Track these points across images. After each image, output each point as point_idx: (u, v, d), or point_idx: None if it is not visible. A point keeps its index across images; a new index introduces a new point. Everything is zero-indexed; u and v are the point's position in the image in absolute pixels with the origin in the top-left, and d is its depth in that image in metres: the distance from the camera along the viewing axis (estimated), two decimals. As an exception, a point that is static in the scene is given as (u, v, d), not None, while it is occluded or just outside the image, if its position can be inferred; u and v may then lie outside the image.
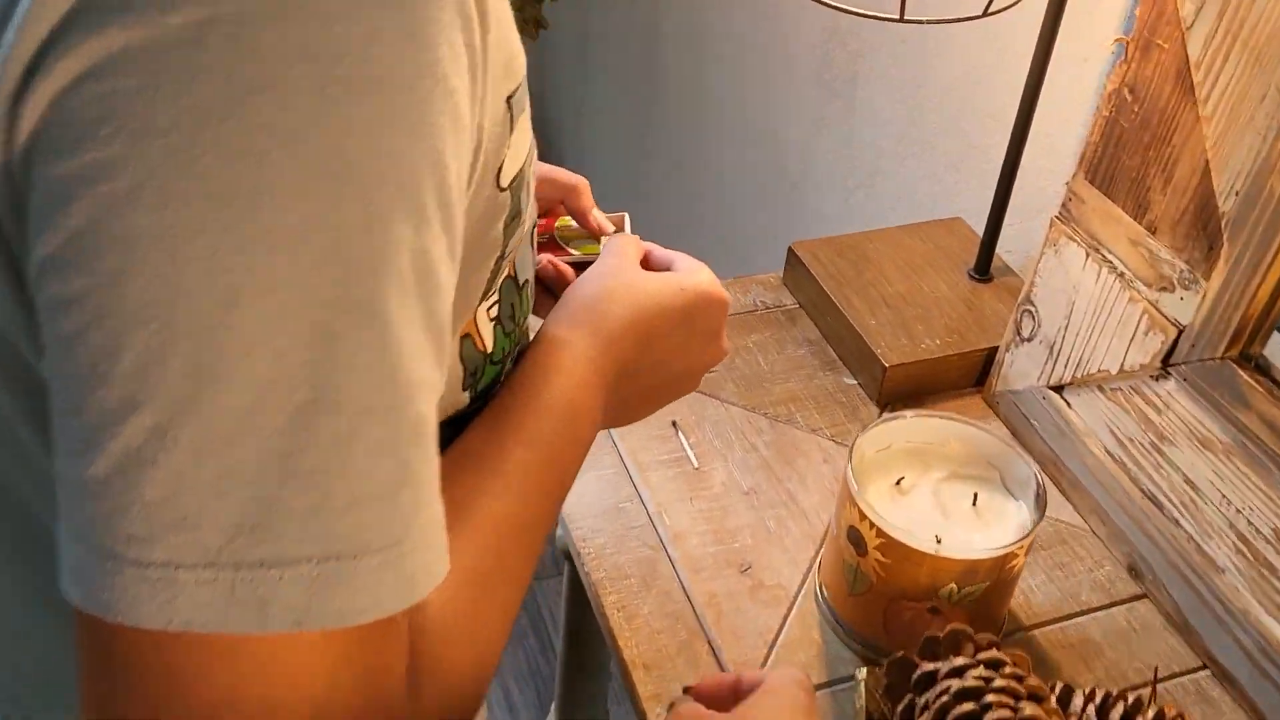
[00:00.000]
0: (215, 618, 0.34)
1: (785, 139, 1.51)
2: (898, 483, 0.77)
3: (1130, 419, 0.82)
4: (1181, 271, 0.77)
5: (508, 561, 0.49)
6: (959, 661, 0.58)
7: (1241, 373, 0.74)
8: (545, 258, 0.71)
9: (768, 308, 1.06)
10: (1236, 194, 0.72)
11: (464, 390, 0.53)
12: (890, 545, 0.71)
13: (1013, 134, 0.95)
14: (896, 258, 1.05)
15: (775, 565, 0.83)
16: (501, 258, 0.50)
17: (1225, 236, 0.73)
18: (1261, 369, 0.74)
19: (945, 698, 0.56)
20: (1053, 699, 0.60)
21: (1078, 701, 0.61)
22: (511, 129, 0.45)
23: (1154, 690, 0.63)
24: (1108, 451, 0.85)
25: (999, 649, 0.60)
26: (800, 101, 1.44)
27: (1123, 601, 0.82)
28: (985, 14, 0.77)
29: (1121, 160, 0.81)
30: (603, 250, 0.66)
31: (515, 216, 0.49)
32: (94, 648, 0.35)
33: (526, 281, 0.56)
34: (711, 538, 0.84)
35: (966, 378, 0.98)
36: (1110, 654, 0.78)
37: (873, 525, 0.71)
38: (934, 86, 1.18)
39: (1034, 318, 0.90)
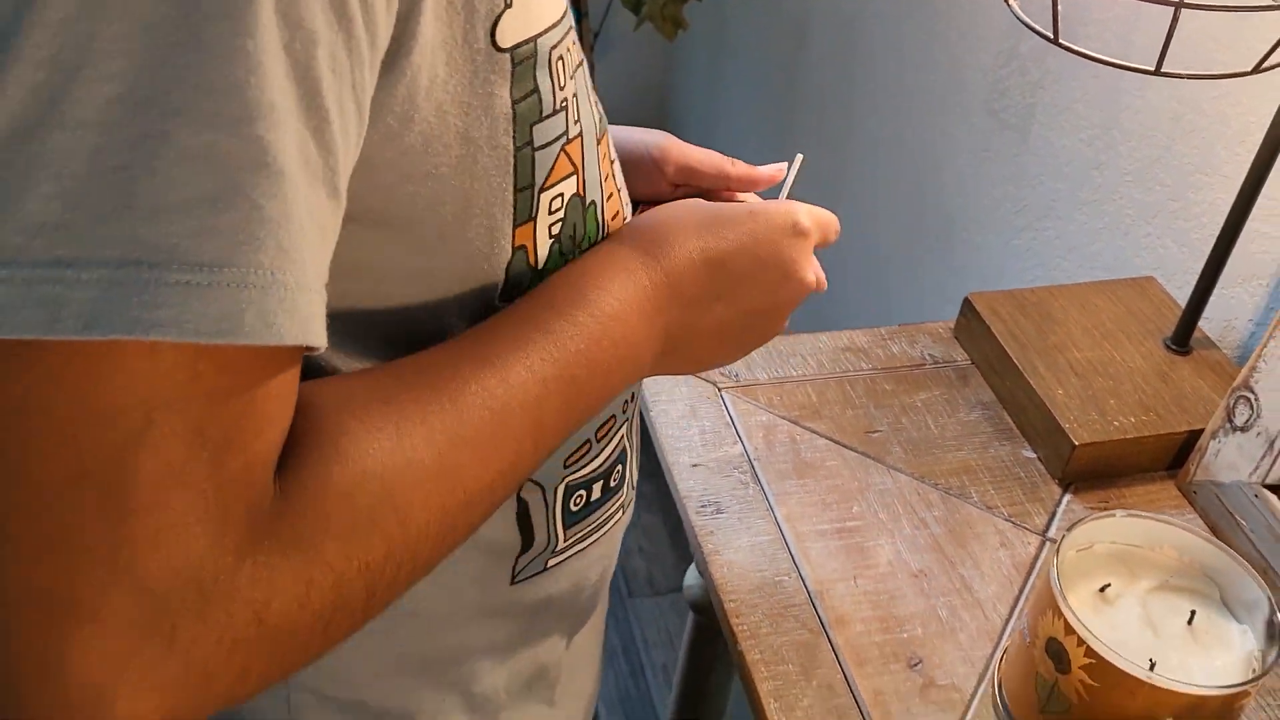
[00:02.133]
0: (8, 319, 0.33)
1: (945, 169, 1.41)
2: (1102, 590, 0.69)
3: (1369, 536, 0.73)
4: None
5: (471, 441, 0.45)
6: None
7: None
8: None
9: (937, 363, 0.98)
10: None
11: (499, 301, 0.51)
12: (1101, 667, 0.63)
13: (1240, 192, 0.85)
14: (1084, 319, 0.96)
15: (948, 663, 0.75)
16: (531, 145, 0.48)
17: None
18: None
19: None
20: None
21: None
22: None
23: None
24: (1335, 568, 0.75)
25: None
26: (966, 130, 1.35)
27: (1345, 742, 0.73)
28: (1256, 70, 0.68)
29: (1385, 243, 0.71)
30: None
31: (530, 95, 0.47)
32: None
33: (593, 203, 0.54)
34: (877, 625, 0.76)
35: (1159, 461, 0.88)
36: (1334, 806, 0.69)
37: (1081, 642, 0.63)
38: (1129, 128, 1.08)
39: (1252, 406, 0.81)
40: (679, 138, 0.71)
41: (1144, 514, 0.70)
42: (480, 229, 0.49)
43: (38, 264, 0.33)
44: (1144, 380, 0.91)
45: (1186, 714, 0.62)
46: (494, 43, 0.45)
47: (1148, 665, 0.62)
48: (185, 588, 0.36)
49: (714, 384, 0.93)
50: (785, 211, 0.58)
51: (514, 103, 0.47)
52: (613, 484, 0.65)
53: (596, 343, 0.51)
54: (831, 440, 0.89)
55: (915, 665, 0.74)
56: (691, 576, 1.05)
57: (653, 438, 0.89)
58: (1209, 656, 0.66)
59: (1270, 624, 0.65)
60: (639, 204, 0.68)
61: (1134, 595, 0.69)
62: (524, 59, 0.47)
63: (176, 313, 0.34)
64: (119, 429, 0.34)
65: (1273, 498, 0.80)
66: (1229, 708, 0.62)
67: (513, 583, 0.61)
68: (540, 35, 0.48)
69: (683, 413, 0.90)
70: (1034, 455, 0.90)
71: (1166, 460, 0.89)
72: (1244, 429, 0.82)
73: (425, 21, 0.41)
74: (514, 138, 0.48)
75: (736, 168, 0.70)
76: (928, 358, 0.98)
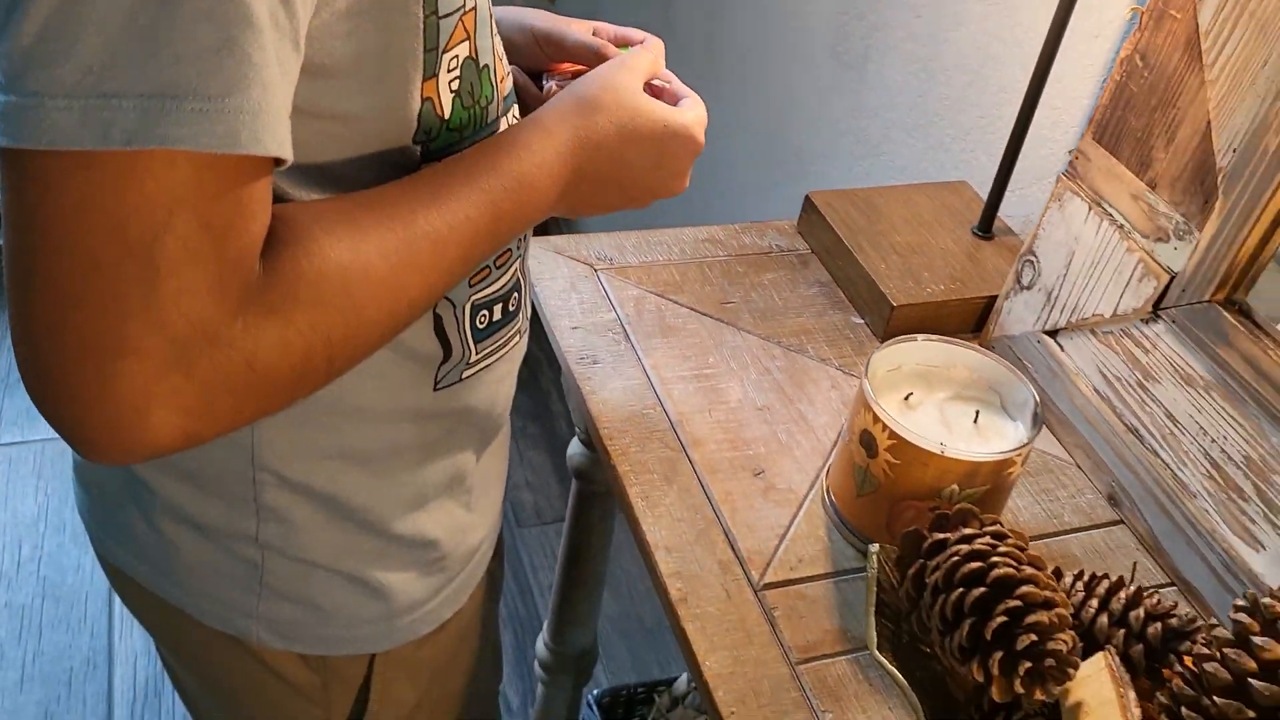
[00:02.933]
0: (72, 136, 0.45)
1: (795, 109, 1.57)
2: (906, 398, 0.84)
3: (1119, 359, 0.90)
4: (1178, 223, 0.84)
5: (415, 262, 0.59)
6: (968, 531, 0.65)
7: (1226, 315, 0.82)
8: (554, 84, 0.80)
9: (782, 251, 1.13)
10: (1234, 151, 0.79)
11: (414, 143, 0.64)
12: (901, 446, 0.78)
13: (1024, 102, 1.02)
14: (905, 212, 1.12)
15: (786, 472, 0.89)
16: (436, 14, 0.60)
17: (1221, 190, 0.81)
18: (1244, 312, 0.82)
19: (955, 558, 0.63)
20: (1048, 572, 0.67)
21: (1067, 580, 0.68)
22: None
23: (1132, 578, 0.70)
24: (1095, 390, 0.92)
25: (1002, 525, 0.67)
26: (813, 73, 1.51)
27: (1101, 525, 0.90)
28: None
29: (1129, 122, 0.88)
30: (618, 57, 0.75)
31: None
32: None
33: (486, 66, 0.67)
34: (727, 445, 0.91)
35: (966, 324, 1.05)
36: (1087, 566, 0.85)
37: (885, 428, 0.78)
38: (945, 61, 1.25)
39: (1034, 267, 0.98)
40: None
41: (942, 338, 0.86)
42: (396, 81, 0.61)
43: (90, 95, 0.45)
44: (953, 259, 1.07)
45: (967, 479, 0.77)
46: None
47: (940, 446, 0.78)
48: (199, 335, 0.49)
49: (590, 265, 1.07)
50: (693, 137, 0.73)
51: None
52: (511, 308, 0.78)
53: (519, 203, 0.65)
54: (691, 309, 1.04)
55: (759, 474, 0.89)
56: (574, 447, 1.19)
57: (538, 307, 1.02)
58: (989, 445, 0.82)
59: (1034, 415, 0.81)
60: (540, 73, 0.81)
61: (933, 403, 0.85)
62: None
63: (193, 131, 0.46)
64: (150, 218, 0.47)
65: (1050, 340, 0.96)
66: (999, 474, 0.78)
67: (435, 389, 0.74)
68: None
69: (564, 288, 1.04)
70: (861, 321, 1.05)
71: (972, 323, 1.05)
72: (1029, 288, 0.98)
73: None
74: (423, 6, 0.60)
75: (604, 48, 0.82)
76: (774, 247, 1.13)
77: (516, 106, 0.76)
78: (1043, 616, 0.60)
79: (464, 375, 0.75)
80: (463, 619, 0.88)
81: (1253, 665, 0.57)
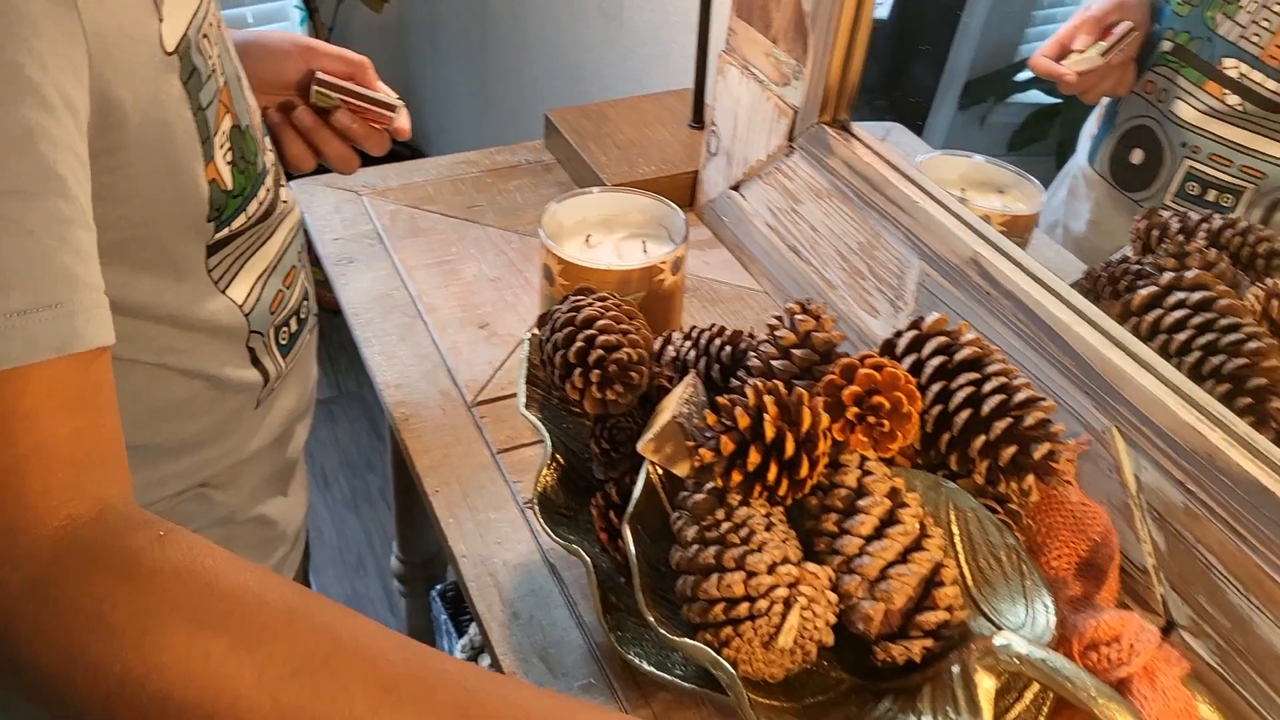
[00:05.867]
0: None
1: (577, 62, 1.75)
2: (587, 239, 1.00)
3: (776, 193, 1.06)
4: (793, 66, 1.01)
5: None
6: (578, 299, 0.81)
7: (829, 131, 0.98)
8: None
9: (530, 164, 1.29)
10: (811, -4, 0.97)
11: (209, 221, 0.70)
12: (567, 268, 0.94)
13: (700, 5, 1.19)
14: (631, 116, 1.29)
15: (508, 323, 1.05)
16: (202, 109, 0.66)
17: (810, 31, 0.98)
18: (843, 127, 0.99)
19: (559, 315, 0.79)
20: (655, 341, 0.83)
21: (677, 336, 0.84)
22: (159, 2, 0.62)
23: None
24: (767, 224, 1.08)
25: (614, 296, 0.83)
26: (587, 30, 1.69)
27: (778, 332, 1.06)
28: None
29: (753, -6, 1.05)
30: None
31: (193, 74, 0.64)
32: None
33: (248, 126, 0.74)
34: (459, 308, 1.07)
35: (681, 199, 1.21)
36: (758, 361, 1.01)
37: (554, 255, 0.94)
38: (673, -8, 1.43)
39: (716, 136, 1.14)
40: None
41: (615, 189, 1.02)
42: (187, 173, 0.67)
43: None
44: (668, 147, 1.24)
45: (622, 287, 0.93)
46: (165, 50, 0.62)
47: (589, 261, 0.93)
48: None
49: (355, 192, 1.23)
50: None
51: (184, 84, 0.64)
52: (303, 316, 0.87)
53: None
54: (441, 214, 1.20)
55: (483, 327, 1.05)
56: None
57: (306, 228, 1.17)
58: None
59: (683, 234, 0.97)
60: None
61: (610, 241, 1.01)
62: (184, 50, 0.64)
63: None
64: None
65: (735, 194, 1.13)
66: (650, 280, 0.94)
67: (256, 408, 0.83)
68: (189, 26, 0.64)
69: (329, 210, 1.20)
70: (591, 207, 1.22)
71: (687, 198, 1.22)
72: (715, 154, 1.15)
73: (120, 86, 0.58)
74: (191, 108, 0.65)
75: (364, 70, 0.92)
76: (523, 161, 1.30)
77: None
78: (611, 338, 0.75)
79: (276, 386, 0.84)
80: None
81: (775, 351, 0.73)
